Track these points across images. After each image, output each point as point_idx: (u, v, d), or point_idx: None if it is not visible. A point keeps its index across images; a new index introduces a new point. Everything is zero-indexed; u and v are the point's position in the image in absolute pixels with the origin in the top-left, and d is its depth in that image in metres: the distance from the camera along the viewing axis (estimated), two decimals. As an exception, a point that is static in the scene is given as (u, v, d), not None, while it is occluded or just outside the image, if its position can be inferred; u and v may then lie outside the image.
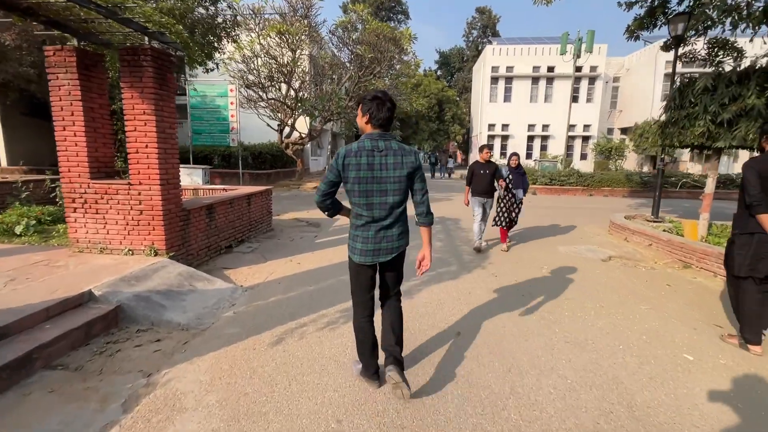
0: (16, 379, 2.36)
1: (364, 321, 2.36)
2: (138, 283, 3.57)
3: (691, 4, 6.82)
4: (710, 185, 5.77)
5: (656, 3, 7.13)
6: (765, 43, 6.03)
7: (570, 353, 2.88)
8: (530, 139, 27.49)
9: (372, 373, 2.38)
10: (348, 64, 15.51)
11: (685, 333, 3.26)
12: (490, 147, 5.89)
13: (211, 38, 9.12)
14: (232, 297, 3.88)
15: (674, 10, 7.15)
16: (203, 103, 13.71)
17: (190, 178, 9.71)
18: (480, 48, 39.75)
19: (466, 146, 37.47)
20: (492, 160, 5.83)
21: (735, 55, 6.82)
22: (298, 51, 14.02)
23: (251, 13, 13.26)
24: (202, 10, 8.73)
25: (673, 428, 2.11)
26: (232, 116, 13.69)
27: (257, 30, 13.39)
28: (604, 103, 27.44)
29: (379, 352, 2.40)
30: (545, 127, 27.22)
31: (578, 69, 19.04)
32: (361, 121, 2.19)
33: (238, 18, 11.00)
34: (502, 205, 5.91)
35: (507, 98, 27.48)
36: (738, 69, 4.91)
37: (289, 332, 3.13)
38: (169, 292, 3.62)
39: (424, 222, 2.27)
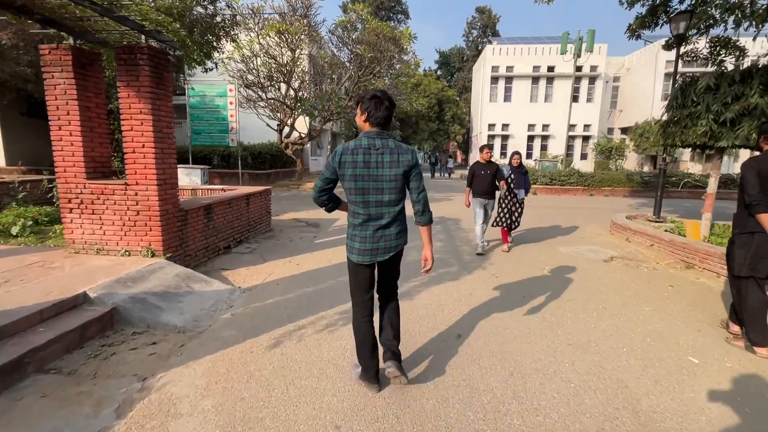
0: (7, 383, 2.31)
1: (364, 321, 2.35)
2: (134, 284, 3.52)
3: (693, 2, 6.77)
4: (713, 185, 5.72)
5: (658, 1, 7.08)
6: (768, 41, 5.99)
7: (573, 356, 2.83)
8: (530, 139, 27.44)
9: (371, 375, 2.34)
10: (348, 64, 15.46)
11: (690, 335, 3.21)
12: (490, 147, 5.83)
13: (210, 37, 9.07)
14: (229, 298, 3.83)
15: (676, 9, 7.10)
16: (202, 103, 13.66)
17: (189, 178, 9.66)
18: (480, 48, 39.71)
19: (466, 146, 37.43)
20: (492, 160, 5.77)
21: (737, 54, 6.76)
22: (298, 50, 13.97)
23: (250, 12, 13.21)
24: (200, 9, 8.68)
25: (680, 434, 2.06)
26: (231, 116, 13.64)
27: (256, 29, 13.34)
28: (605, 102, 27.40)
29: (379, 354, 2.38)
30: (545, 126, 27.18)
31: (578, 69, 18.98)
32: (359, 119, 2.22)
33: (237, 17, 10.94)
34: (503, 205, 5.85)
35: (507, 98, 27.44)
36: (741, 68, 4.86)
37: (287, 335, 3.08)
38: (166, 293, 3.57)
39: (421, 221, 2.26)
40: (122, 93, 4.05)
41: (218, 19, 9.25)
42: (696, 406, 2.29)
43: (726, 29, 6.20)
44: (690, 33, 6.97)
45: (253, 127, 16.74)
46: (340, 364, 2.66)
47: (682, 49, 7.38)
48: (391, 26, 15.66)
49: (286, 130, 15.70)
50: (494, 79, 27.24)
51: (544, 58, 26.44)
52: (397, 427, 2.06)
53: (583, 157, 26.85)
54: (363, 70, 14.34)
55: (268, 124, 15.29)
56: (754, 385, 2.52)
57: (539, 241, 6.68)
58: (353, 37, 14.55)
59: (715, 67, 6.42)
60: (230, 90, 13.50)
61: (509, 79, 27.14)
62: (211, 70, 10.07)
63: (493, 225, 5.97)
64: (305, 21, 13.82)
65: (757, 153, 2.98)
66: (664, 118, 5.96)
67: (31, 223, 5.30)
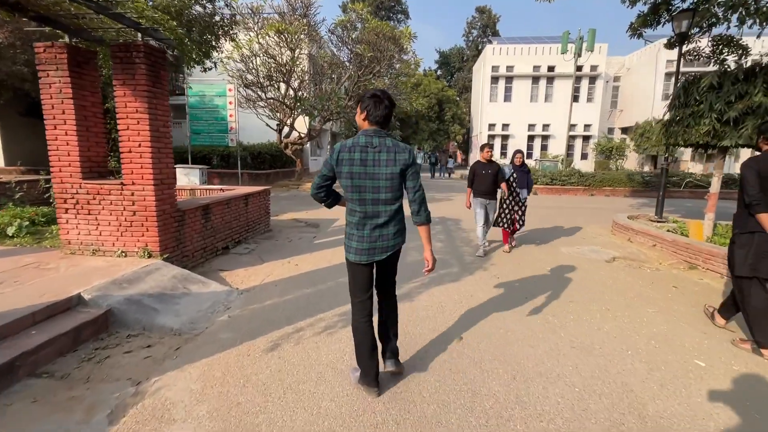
0: (-2, 388, 2.26)
1: (363, 322, 2.31)
2: (130, 286, 3.47)
3: (696, 0, 6.72)
4: (716, 184, 5.66)
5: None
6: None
7: (576, 359, 2.77)
8: (531, 138, 27.36)
9: (371, 378, 2.29)
10: (347, 64, 15.40)
11: (695, 337, 3.15)
12: (491, 146, 5.77)
13: (209, 37, 9.00)
14: (227, 300, 3.77)
15: (678, 7, 7.04)
16: (202, 102, 13.61)
17: (187, 178, 9.61)
18: (480, 47, 39.65)
19: (466, 146, 37.36)
20: (492, 160, 5.71)
21: (740, 52, 6.71)
22: (297, 50, 13.90)
23: (250, 11, 13.15)
24: (199, 8, 8.61)
25: (688, 440, 2.00)
26: (230, 116, 13.58)
27: (256, 29, 13.28)
28: (605, 102, 27.32)
29: (379, 355, 2.35)
30: (546, 126, 27.10)
31: (579, 68, 18.89)
32: (359, 118, 2.22)
33: (237, 17, 10.89)
34: (504, 205, 5.79)
35: (507, 98, 27.36)
36: (744, 66, 4.80)
37: (285, 337, 3.02)
38: (162, 295, 3.52)
39: (418, 221, 2.23)
40: (118, 92, 3.99)
41: (217, 18, 9.19)
42: (703, 410, 2.23)
43: (729, 27, 6.16)
44: (692, 31, 6.92)
45: (253, 127, 16.68)
46: (339, 367, 2.60)
47: (684, 48, 7.33)
48: (391, 26, 15.58)
49: (286, 130, 15.63)
50: (494, 79, 27.16)
51: (545, 57, 26.36)
52: (397, 433, 2.00)
53: (584, 157, 26.78)
54: (363, 69, 14.28)
55: (267, 124, 15.23)
56: (762, 388, 2.46)
57: (541, 242, 6.62)
58: (353, 36, 14.49)
59: (718, 66, 6.36)
60: (229, 90, 13.44)
61: (509, 79, 27.06)
62: (210, 69, 10.01)
63: (493, 225, 5.91)
64: (305, 20, 13.76)
65: (757, 153, 2.96)
66: (667, 117, 5.90)
67: (27, 223, 5.24)
